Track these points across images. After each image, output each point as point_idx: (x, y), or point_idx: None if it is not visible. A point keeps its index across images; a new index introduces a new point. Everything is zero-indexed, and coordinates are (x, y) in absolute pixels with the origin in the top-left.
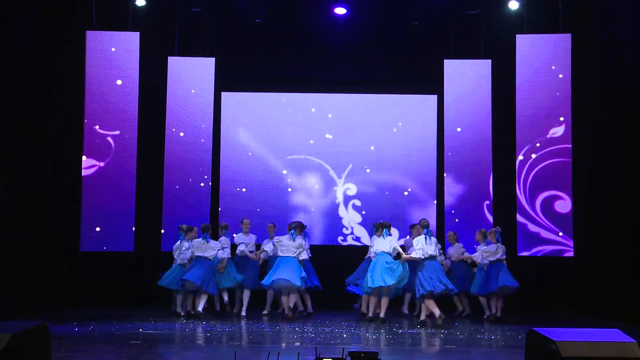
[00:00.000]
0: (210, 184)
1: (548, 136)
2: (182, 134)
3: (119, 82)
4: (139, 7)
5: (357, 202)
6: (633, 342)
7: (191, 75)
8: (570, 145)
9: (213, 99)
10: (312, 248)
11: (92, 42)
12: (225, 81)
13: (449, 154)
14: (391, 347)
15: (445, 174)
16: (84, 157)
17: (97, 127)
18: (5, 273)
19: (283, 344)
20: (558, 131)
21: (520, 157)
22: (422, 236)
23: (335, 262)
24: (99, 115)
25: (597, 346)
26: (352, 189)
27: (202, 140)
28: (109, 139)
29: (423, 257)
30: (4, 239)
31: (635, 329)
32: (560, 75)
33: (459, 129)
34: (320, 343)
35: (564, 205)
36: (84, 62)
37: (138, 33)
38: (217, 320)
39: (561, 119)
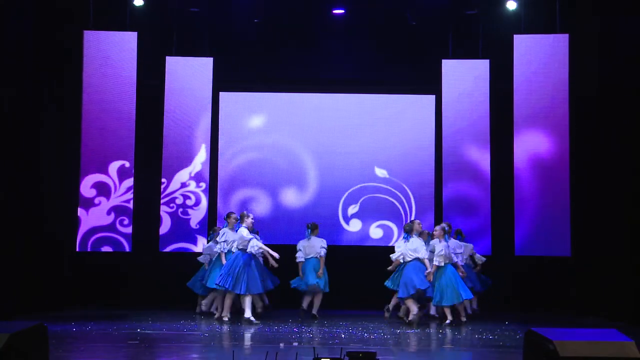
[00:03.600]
0: (208, 184)
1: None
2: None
3: (116, 82)
4: (136, 7)
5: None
6: (631, 342)
7: (189, 75)
8: (569, 146)
9: (211, 99)
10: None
11: (89, 42)
12: (223, 81)
13: (447, 153)
14: (390, 347)
15: (443, 174)
16: (82, 156)
17: (95, 126)
18: (5, 273)
19: (281, 344)
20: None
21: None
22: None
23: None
24: (97, 115)
25: (595, 346)
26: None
27: (201, 140)
28: (107, 138)
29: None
30: (4, 239)
31: (635, 330)
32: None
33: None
34: (319, 343)
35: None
36: (82, 62)
37: (136, 33)
38: (216, 321)
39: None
